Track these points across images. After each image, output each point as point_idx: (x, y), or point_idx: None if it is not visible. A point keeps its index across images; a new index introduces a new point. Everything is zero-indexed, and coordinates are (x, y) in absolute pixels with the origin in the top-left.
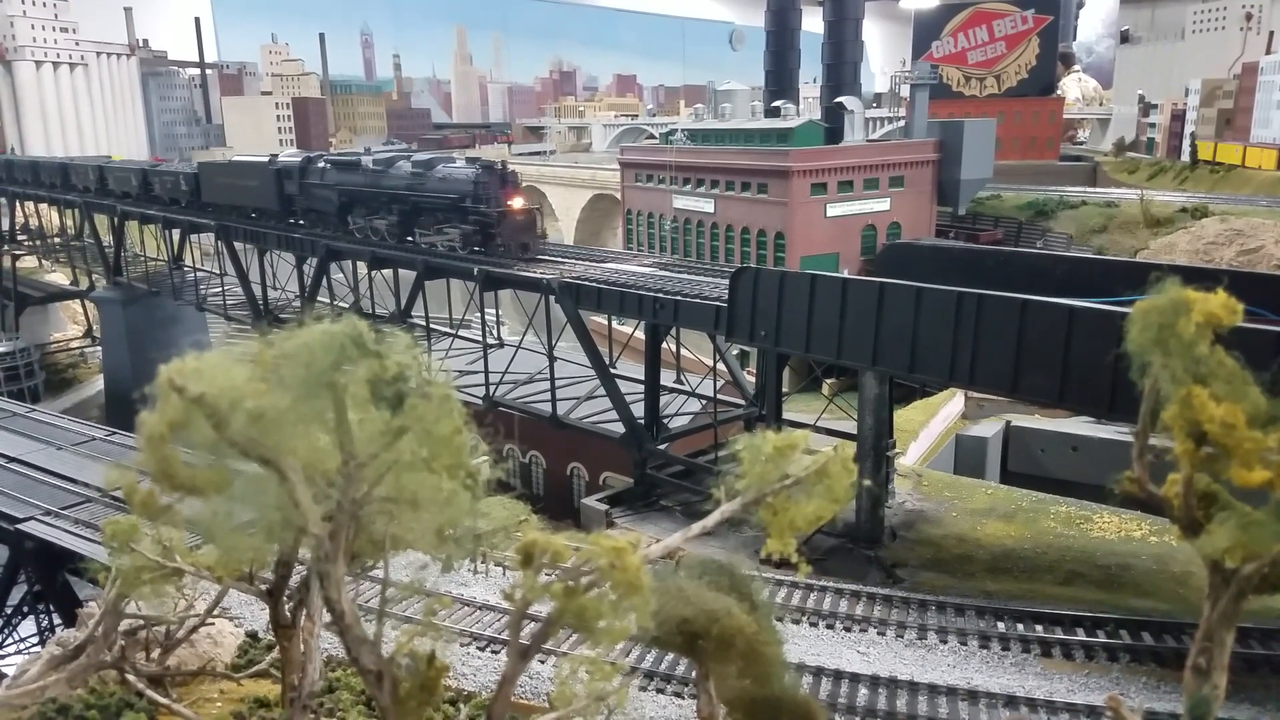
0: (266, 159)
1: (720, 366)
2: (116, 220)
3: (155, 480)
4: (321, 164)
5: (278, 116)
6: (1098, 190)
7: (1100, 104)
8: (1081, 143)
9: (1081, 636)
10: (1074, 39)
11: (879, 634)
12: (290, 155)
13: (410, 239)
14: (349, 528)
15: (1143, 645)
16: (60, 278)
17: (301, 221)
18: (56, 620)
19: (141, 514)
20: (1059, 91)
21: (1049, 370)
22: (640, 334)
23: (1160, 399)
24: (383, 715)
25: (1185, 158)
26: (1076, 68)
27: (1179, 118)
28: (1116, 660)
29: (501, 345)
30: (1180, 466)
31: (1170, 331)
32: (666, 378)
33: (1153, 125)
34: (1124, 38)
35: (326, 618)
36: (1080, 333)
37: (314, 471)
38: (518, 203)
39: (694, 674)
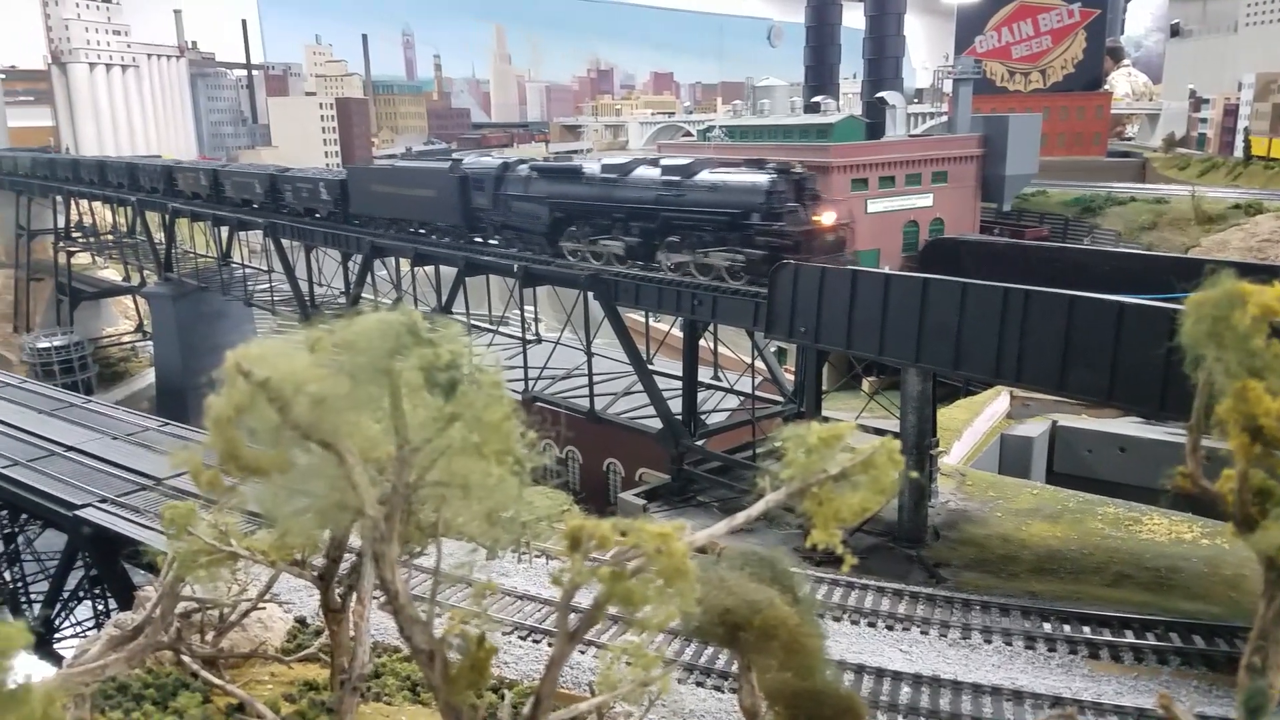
0: (446, 164)
1: (759, 364)
2: (167, 217)
3: (221, 461)
4: (525, 170)
5: (321, 117)
6: (1147, 186)
7: (1149, 99)
8: (1130, 138)
9: (1130, 639)
10: (1122, 33)
11: (921, 633)
12: (478, 159)
13: (655, 263)
14: (402, 510)
15: (1193, 648)
16: (112, 274)
17: (493, 241)
18: (112, 605)
19: (207, 493)
20: (1107, 86)
21: (1097, 367)
22: (677, 331)
23: (1214, 393)
24: (434, 694)
25: (1238, 153)
26: (1125, 62)
27: (1232, 112)
28: (1166, 663)
29: (540, 341)
30: (1235, 462)
31: (1225, 324)
32: (704, 374)
33: (1204, 120)
34: (1174, 31)
35: (375, 603)
36: (1130, 329)
37: (369, 457)
38: (827, 218)
39: (735, 667)
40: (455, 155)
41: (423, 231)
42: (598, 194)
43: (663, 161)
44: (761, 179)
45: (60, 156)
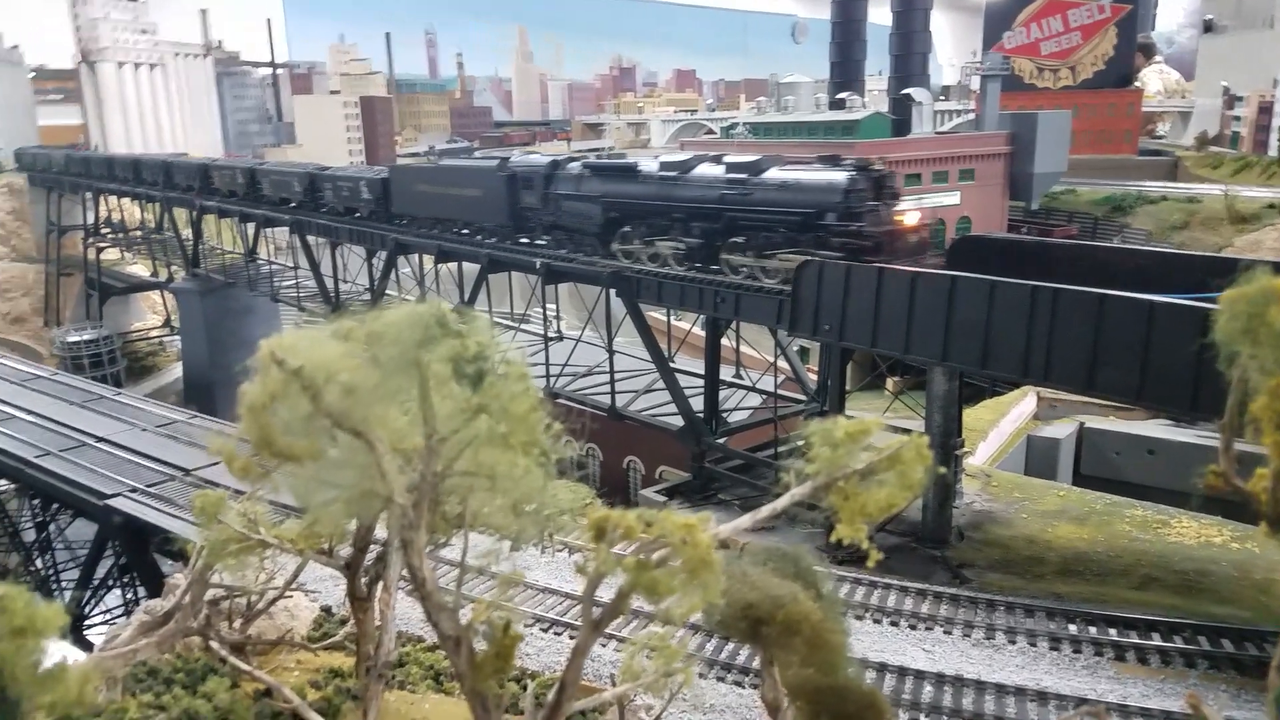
0: (494, 163)
1: (781, 362)
2: (195, 214)
3: (255, 447)
4: (576, 168)
5: (346, 115)
6: (1178, 185)
7: (1181, 96)
8: (1161, 137)
9: (1157, 641)
10: (1154, 28)
11: (945, 632)
12: (526, 157)
13: (716, 266)
14: (429, 499)
15: (1221, 652)
16: (141, 269)
17: (542, 241)
18: (141, 593)
19: (240, 479)
20: (1138, 83)
21: (1127, 366)
22: (698, 329)
23: (1248, 390)
24: (459, 680)
25: (1273, 152)
26: (1157, 59)
27: (1266, 110)
28: (1194, 666)
29: (561, 338)
30: (1269, 460)
31: (1260, 320)
32: (725, 373)
33: (1238, 118)
34: (1207, 27)
35: (400, 593)
36: (1161, 328)
37: (397, 448)
38: (912, 218)
39: (756, 663)
40: (502, 153)
41: (466, 232)
42: (656, 193)
43: (727, 159)
44: (839, 176)
45: (93, 154)
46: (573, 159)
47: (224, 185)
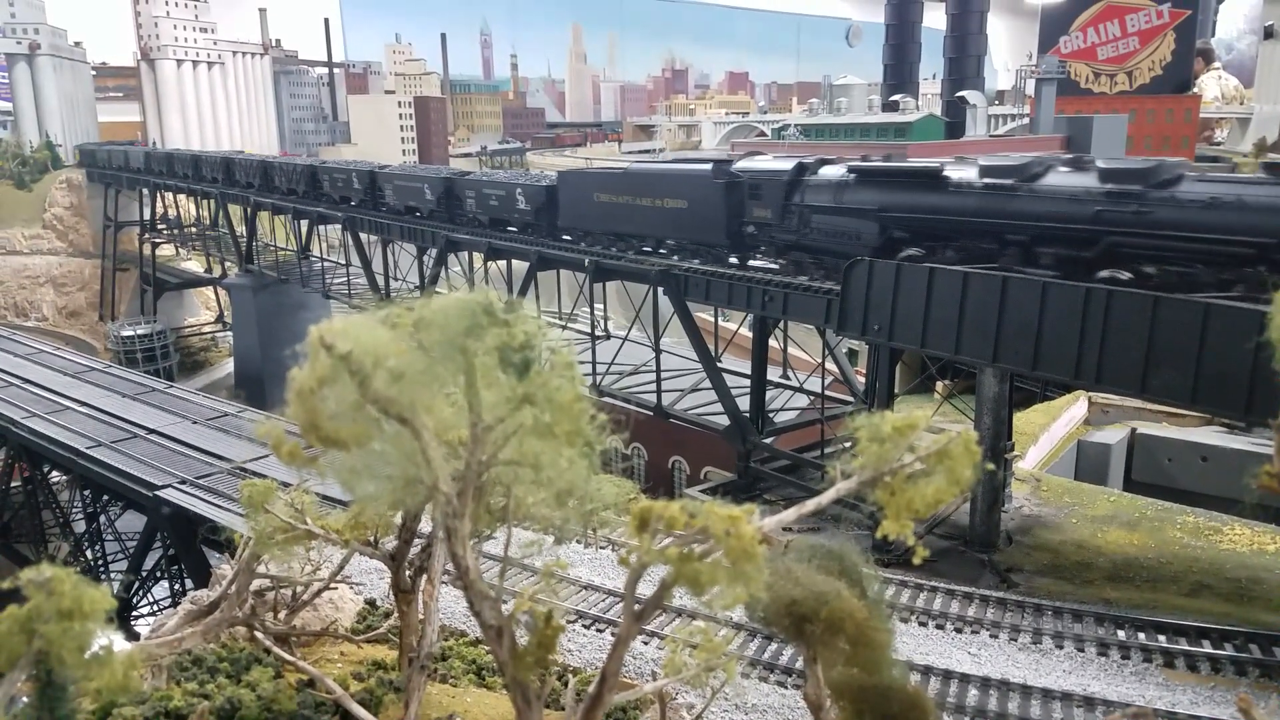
0: (707, 167)
1: (829, 364)
2: (249, 210)
3: (303, 432)
4: (838, 173)
5: (400, 115)
6: None
7: (1240, 103)
8: (1219, 143)
9: (1208, 648)
10: (1213, 34)
11: (991, 636)
12: (754, 160)
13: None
14: (474, 488)
15: (1273, 661)
16: (195, 265)
17: (779, 263)
18: (189, 584)
19: (289, 464)
20: (1196, 89)
21: (1181, 369)
22: (745, 330)
23: None
24: (501, 670)
25: None
26: (1216, 65)
27: None
28: (1245, 674)
29: (608, 337)
30: None
31: None
32: (773, 374)
33: None
34: (1268, 33)
35: (444, 586)
36: (1216, 329)
37: (443, 438)
38: None
39: (799, 663)
40: (719, 156)
41: (662, 251)
42: (975, 207)
43: (1100, 164)
44: None
45: (155, 150)
46: (826, 161)
47: (333, 191)
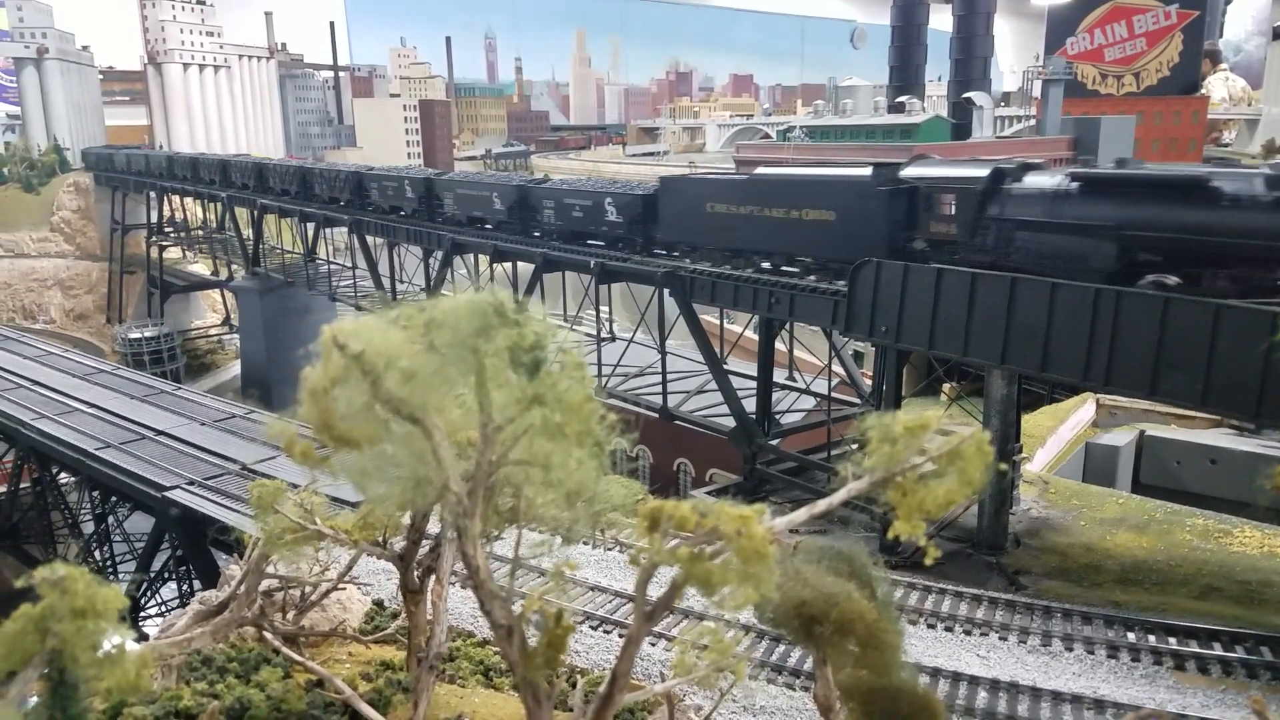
0: (865, 172)
1: (835, 366)
2: (255, 213)
3: (316, 432)
4: (1052, 181)
5: (405, 118)
6: None
7: (1249, 104)
8: (1227, 145)
9: (1218, 651)
10: (1221, 36)
11: (1000, 639)
12: (932, 164)
13: None
14: (484, 488)
15: None
16: (201, 268)
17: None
18: (197, 585)
19: (302, 464)
20: (1203, 91)
21: (1191, 371)
22: (750, 333)
23: None
24: (511, 670)
25: None
26: (1223, 66)
27: None
28: (1256, 677)
29: (614, 339)
30: None
31: None
32: (779, 376)
33: None
34: (1276, 34)
35: (452, 586)
36: (1226, 331)
37: (453, 439)
38: None
39: (808, 665)
40: (870, 156)
41: (795, 270)
42: (1256, 226)
43: None
44: None
45: (177, 154)
46: (1030, 165)
47: (382, 200)
